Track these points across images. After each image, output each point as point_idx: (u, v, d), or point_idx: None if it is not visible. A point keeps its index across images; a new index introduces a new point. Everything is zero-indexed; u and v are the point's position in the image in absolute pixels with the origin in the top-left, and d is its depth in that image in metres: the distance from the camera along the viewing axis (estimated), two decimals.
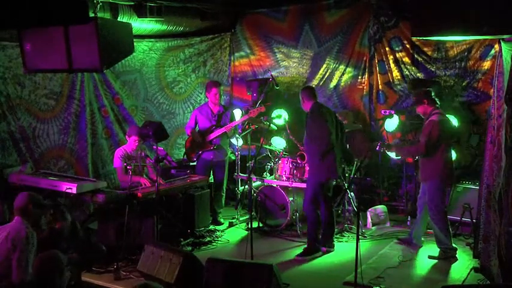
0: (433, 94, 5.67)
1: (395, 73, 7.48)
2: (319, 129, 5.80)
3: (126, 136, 6.37)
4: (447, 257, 5.63)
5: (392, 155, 6.66)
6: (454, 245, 5.71)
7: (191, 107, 8.26)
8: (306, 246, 6.03)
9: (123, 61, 7.04)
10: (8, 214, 5.88)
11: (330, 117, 5.85)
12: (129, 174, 5.65)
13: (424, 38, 6.75)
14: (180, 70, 8.26)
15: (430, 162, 5.58)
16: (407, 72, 7.38)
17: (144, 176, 6.32)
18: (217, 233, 6.66)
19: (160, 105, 8.08)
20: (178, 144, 8.24)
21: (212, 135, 6.84)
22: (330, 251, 5.97)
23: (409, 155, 5.94)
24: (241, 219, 7.16)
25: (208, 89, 6.99)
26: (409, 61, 7.35)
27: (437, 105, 5.64)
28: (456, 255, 5.65)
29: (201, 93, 8.35)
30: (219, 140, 6.92)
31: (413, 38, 7.04)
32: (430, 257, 5.68)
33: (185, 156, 7.20)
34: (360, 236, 4.79)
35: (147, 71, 7.79)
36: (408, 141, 6.90)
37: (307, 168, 6.31)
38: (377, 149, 5.92)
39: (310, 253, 5.86)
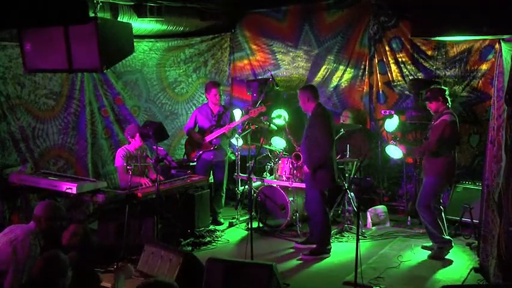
0: (447, 93, 5.68)
1: (395, 73, 7.48)
2: (325, 133, 5.77)
3: (128, 136, 6.27)
4: (444, 252, 5.64)
5: (391, 153, 6.65)
6: (446, 236, 5.72)
7: (194, 108, 8.24)
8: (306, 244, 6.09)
9: (123, 61, 7.05)
10: (8, 214, 5.89)
11: (333, 120, 5.99)
12: (129, 175, 5.64)
13: (424, 38, 6.76)
14: (181, 70, 8.26)
15: (435, 160, 5.59)
16: (407, 72, 7.38)
17: (145, 176, 6.32)
18: (217, 233, 6.66)
19: (163, 106, 8.09)
20: (181, 144, 8.24)
21: (212, 135, 6.84)
22: None
23: (421, 154, 5.91)
24: (241, 219, 7.17)
25: (208, 89, 6.99)
26: (409, 61, 7.35)
27: (448, 104, 5.65)
28: (452, 245, 5.68)
29: (203, 94, 8.32)
30: (219, 140, 6.92)
31: (413, 38, 7.05)
32: (430, 258, 5.68)
33: (185, 156, 7.19)
34: (360, 236, 4.79)
35: (148, 71, 7.80)
36: (408, 141, 6.90)
37: (305, 169, 6.07)
38: (391, 142, 6.04)
39: (318, 253, 5.88)
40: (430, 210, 5.67)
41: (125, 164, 6.00)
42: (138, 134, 6.17)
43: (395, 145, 6.01)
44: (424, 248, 5.93)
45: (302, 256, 5.88)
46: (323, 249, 5.91)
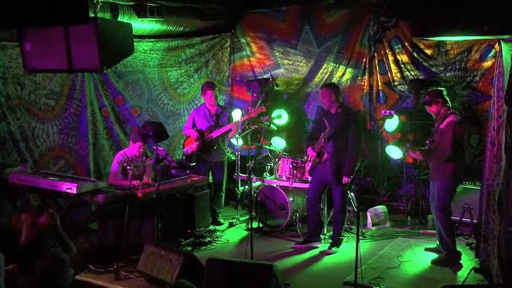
0: (445, 93, 5.58)
1: (395, 73, 7.48)
2: (358, 135, 5.91)
3: (131, 141, 6.26)
4: (452, 262, 5.51)
5: (391, 153, 6.65)
6: (458, 249, 5.61)
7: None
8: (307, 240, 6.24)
9: (124, 61, 7.06)
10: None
11: None
12: (129, 175, 5.64)
13: (424, 38, 6.75)
14: (183, 70, 8.26)
15: (446, 163, 5.46)
16: (407, 72, 7.38)
17: (145, 176, 6.32)
18: (217, 233, 6.66)
19: (165, 106, 8.08)
20: (181, 145, 8.23)
21: (213, 135, 6.83)
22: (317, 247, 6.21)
23: (435, 160, 5.65)
24: (241, 219, 7.17)
25: (203, 91, 7.00)
26: (409, 61, 7.35)
27: (448, 105, 5.56)
28: (461, 258, 5.55)
29: None
30: (218, 140, 6.92)
31: (413, 38, 7.04)
32: (435, 263, 5.56)
33: (184, 156, 7.17)
34: (360, 236, 4.80)
35: (149, 72, 7.79)
36: (409, 141, 6.89)
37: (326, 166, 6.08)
38: (403, 149, 6.00)
39: (339, 244, 6.14)
40: (448, 213, 5.55)
41: (125, 165, 6.01)
42: (138, 143, 6.14)
43: (406, 152, 5.94)
44: (427, 250, 5.89)
45: (329, 250, 6.01)
46: (341, 241, 6.14)
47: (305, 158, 6.36)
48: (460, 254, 5.60)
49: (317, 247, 6.16)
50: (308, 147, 6.14)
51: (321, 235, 6.37)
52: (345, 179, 5.85)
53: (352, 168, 5.78)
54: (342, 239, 6.20)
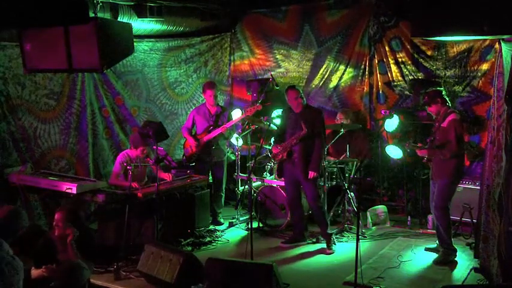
0: (444, 93, 5.65)
1: (395, 73, 7.48)
2: (324, 131, 6.04)
3: (132, 146, 6.23)
4: (449, 258, 5.59)
5: (391, 153, 6.65)
6: (454, 245, 5.68)
7: (193, 108, 8.22)
8: (302, 242, 6.30)
9: (124, 61, 7.05)
10: None
11: None
12: (129, 175, 5.64)
13: (424, 38, 6.75)
14: (182, 70, 8.26)
15: (447, 162, 5.51)
16: (407, 72, 7.37)
17: (146, 177, 6.31)
18: (217, 233, 6.67)
19: (163, 106, 8.08)
20: (181, 144, 8.23)
21: (210, 136, 6.83)
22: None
23: (441, 156, 5.62)
24: (241, 219, 7.17)
25: (204, 90, 7.01)
26: (409, 61, 7.35)
27: (448, 104, 5.61)
28: (456, 259, 5.62)
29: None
30: (217, 140, 6.91)
31: (413, 38, 7.04)
32: (435, 263, 5.60)
33: (184, 157, 7.18)
34: (360, 236, 4.79)
35: (148, 71, 7.79)
36: (411, 141, 6.89)
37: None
38: (406, 146, 5.97)
39: (331, 241, 6.11)
40: (446, 212, 5.61)
41: (124, 165, 6.00)
42: (141, 147, 6.13)
43: (410, 149, 5.95)
44: (427, 249, 5.90)
45: (327, 251, 6.00)
46: (330, 236, 6.11)
47: (268, 152, 6.60)
48: (455, 250, 5.65)
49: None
50: (274, 145, 6.28)
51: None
52: (311, 174, 5.91)
53: (319, 164, 5.93)
54: (331, 234, 6.15)
